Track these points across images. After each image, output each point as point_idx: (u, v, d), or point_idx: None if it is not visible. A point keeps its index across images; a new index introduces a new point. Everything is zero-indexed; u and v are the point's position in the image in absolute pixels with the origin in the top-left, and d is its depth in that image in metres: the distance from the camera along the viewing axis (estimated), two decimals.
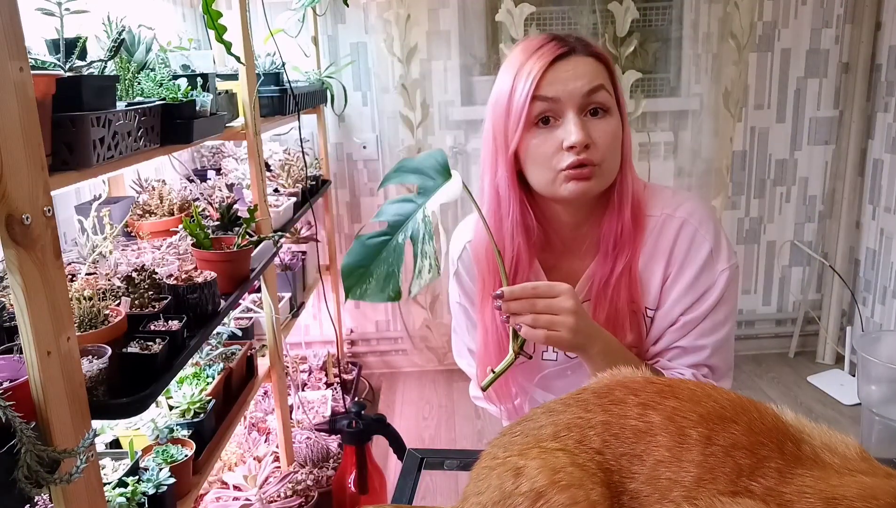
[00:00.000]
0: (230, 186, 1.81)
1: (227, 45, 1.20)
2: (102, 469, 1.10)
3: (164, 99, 1.13)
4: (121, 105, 1.00)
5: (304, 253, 2.32)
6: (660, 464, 0.60)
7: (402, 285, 0.87)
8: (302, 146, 2.02)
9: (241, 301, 1.80)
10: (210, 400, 1.33)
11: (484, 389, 1.06)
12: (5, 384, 0.70)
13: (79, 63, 0.94)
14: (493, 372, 0.95)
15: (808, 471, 0.58)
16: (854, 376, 2.50)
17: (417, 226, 0.87)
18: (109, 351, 0.90)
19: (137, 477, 1.08)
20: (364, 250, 0.87)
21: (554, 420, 0.67)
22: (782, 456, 0.59)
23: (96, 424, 0.81)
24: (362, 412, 1.73)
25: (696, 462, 0.59)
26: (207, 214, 1.55)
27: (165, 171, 2.04)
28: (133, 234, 1.46)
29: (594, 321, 1.01)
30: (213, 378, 1.39)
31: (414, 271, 0.86)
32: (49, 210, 0.70)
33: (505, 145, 0.99)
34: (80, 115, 0.84)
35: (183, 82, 1.19)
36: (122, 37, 1.05)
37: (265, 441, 1.88)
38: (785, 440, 0.61)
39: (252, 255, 1.38)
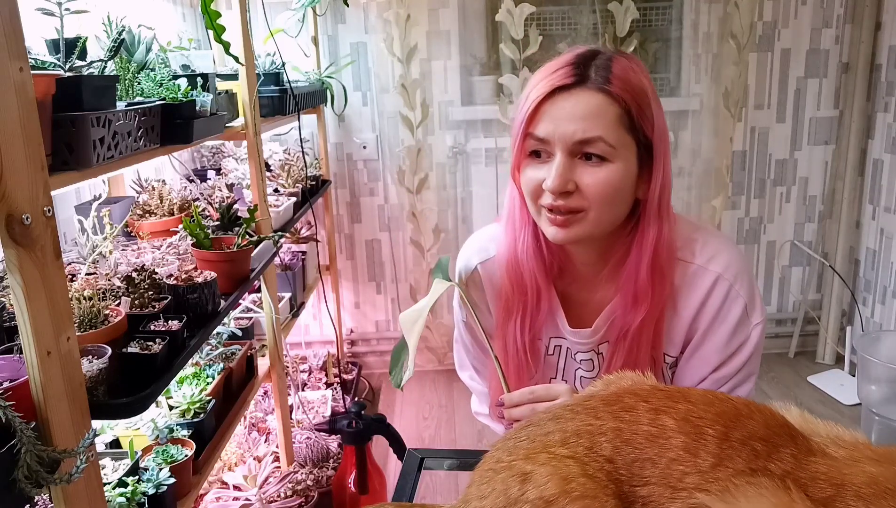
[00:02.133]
0: (230, 186, 1.81)
1: (226, 45, 1.20)
2: (102, 469, 1.10)
3: (164, 99, 1.13)
4: (121, 105, 1.00)
5: (304, 253, 2.32)
6: (674, 462, 0.60)
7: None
8: (302, 146, 2.02)
9: (241, 301, 1.79)
10: (210, 400, 1.33)
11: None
12: (5, 384, 0.70)
13: (79, 63, 0.94)
14: None
15: (821, 459, 0.60)
16: (854, 376, 2.49)
17: None
18: (109, 351, 0.90)
19: (137, 477, 1.08)
20: (401, 341, 1.06)
21: (562, 427, 0.66)
22: (796, 446, 0.61)
23: (96, 424, 0.81)
24: (362, 412, 1.72)
25: (713, 454, 0.59)
26: (207, 214, 1.55)
27: (165, 171, 2.04)
28: (133, 234, 1.46)
29: (610, 367, 0.99)
30: (213, 378, 1.39)
31: (407, 363, 0.99)
32: (49, 210, 0.70)
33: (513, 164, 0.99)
34: (80, 115, 0.84)
35: (183, 82, 1.19)
36: (122, 37, 1.05)
37: (265, 441, 1.88)
38: (797, 435, 0.63)
39: (252, 255, 1.38)
